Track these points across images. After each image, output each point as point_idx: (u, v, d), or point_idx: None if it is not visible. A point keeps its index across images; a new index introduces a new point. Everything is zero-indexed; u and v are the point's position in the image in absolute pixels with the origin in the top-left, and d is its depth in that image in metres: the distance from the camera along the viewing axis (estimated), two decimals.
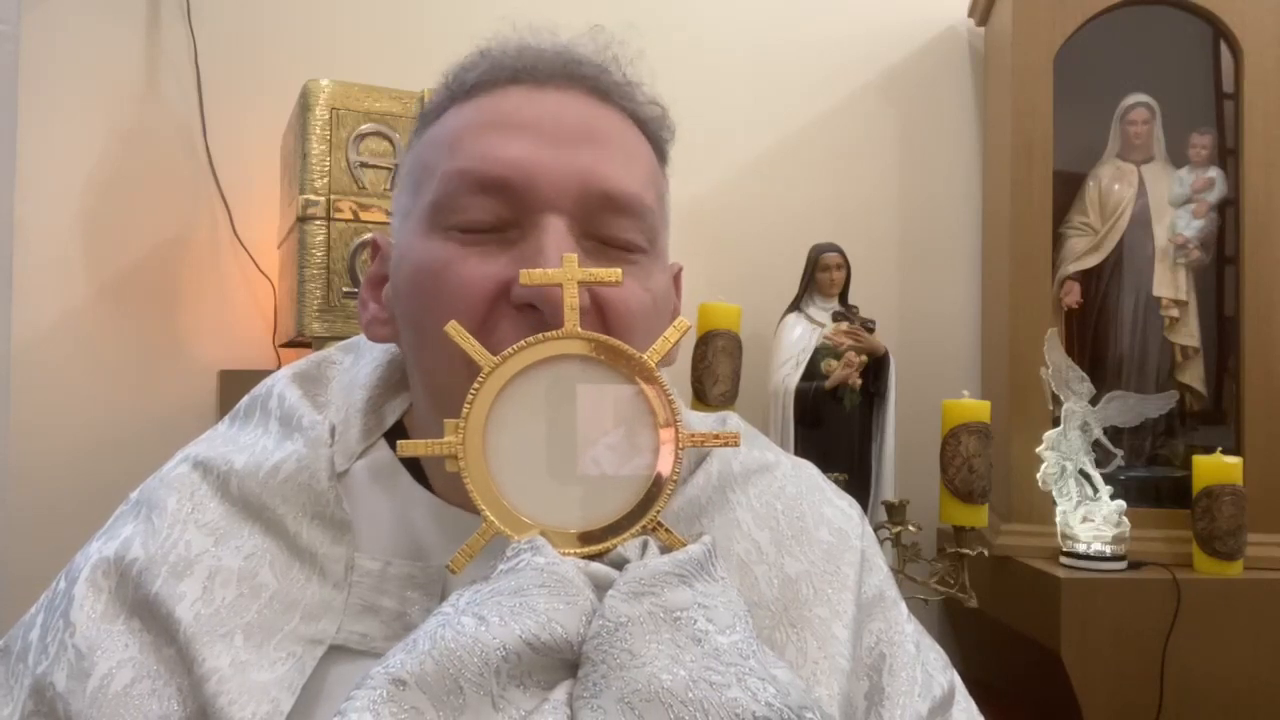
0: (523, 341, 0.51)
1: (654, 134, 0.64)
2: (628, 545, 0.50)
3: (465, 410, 0.50)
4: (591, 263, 0.56)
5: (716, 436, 0.53)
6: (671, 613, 0.45)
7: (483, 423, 0.50)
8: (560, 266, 0.53)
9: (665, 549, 0.50)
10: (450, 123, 0.61)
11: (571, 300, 0.52)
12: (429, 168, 0.60)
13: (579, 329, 0.52)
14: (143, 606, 0.56)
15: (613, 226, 0.58)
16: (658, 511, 0.51)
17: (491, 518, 0.50)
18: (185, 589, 0.55)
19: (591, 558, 0.49)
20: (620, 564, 0.48)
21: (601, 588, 0.46)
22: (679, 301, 0.68)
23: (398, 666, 0.42)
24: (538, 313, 0.54)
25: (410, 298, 0.59)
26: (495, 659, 0.42)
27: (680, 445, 0.52)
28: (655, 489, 0.51)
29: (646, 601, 0.45)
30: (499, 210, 0.57)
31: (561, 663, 0.44)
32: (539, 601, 0.44)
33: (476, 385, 0.50)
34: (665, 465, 0.52)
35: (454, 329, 0.51)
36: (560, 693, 0.43)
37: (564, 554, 0.48)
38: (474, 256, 0.56)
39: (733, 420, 0.70)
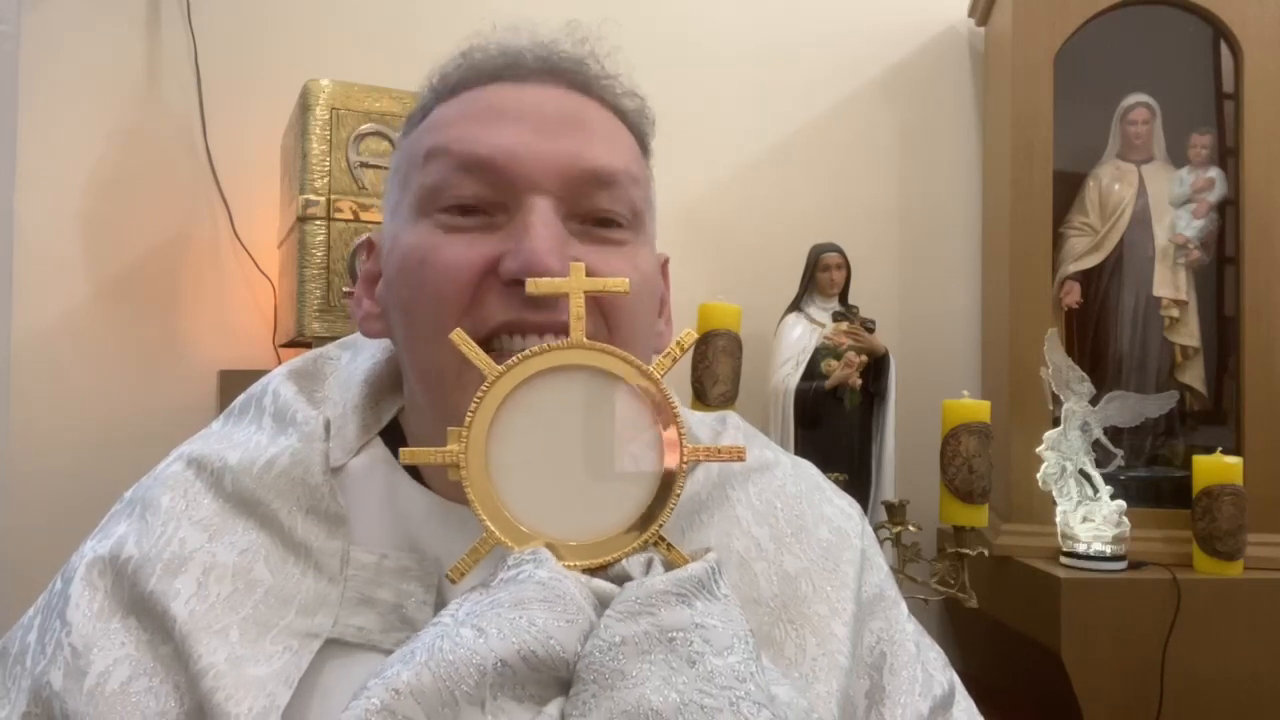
0: (527, 351, 0.51)
1: (635, 124, 0.64)
2: (631, 560, 0.49)
3: (468, 419, 0.50)
4: (579, 243, 0.57)
5: (721, 451, 0.53)
6: (667, 633, 0.44)
7: (485, 432, 0.50)
8: (550, 245, 0.53)
9: (668, 564, 0.50)
10: (434, 119, 0.62)
11: (578, 310, 0.51)
12: (414, 160, 0.60)
13: (585, 340, 0.51)
14: (138, 604, 0.56)
15: (599, 200, 0.58)
16: (659, 525, 0.50)
17: (493, 528, 0.49)
18: (180, 585, 0.55)
19: (594, 571, 0.49)
20: (624, 579, 0.48)
21: (603, 603, 0.46)
22: (668, 292, 0.68)
23: (394, 677, 0.42)
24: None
25: (400, 283, 0.59)
26: (492, 672, 0.42)
27: (684, 460, 0.51)
28: (658, 503, 0.51)
29: (643, 621, 0.44)
30: (484, 192, 0.57)
31: (556, 679, 0.44)
32: (538, 616, 0.44)
33: (480, 394, 0.50)
34: (668, 479, 0.51)
35: (459, 336, 0.51)
36: (554, 708, 0.43)
37: (566, 567, 0.48)
38: (460, 242, 0.57)
39: (732, 420, 0.70)
